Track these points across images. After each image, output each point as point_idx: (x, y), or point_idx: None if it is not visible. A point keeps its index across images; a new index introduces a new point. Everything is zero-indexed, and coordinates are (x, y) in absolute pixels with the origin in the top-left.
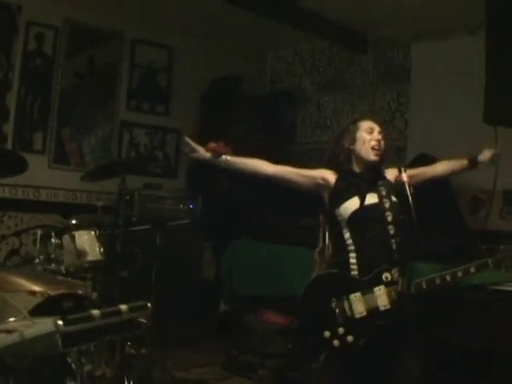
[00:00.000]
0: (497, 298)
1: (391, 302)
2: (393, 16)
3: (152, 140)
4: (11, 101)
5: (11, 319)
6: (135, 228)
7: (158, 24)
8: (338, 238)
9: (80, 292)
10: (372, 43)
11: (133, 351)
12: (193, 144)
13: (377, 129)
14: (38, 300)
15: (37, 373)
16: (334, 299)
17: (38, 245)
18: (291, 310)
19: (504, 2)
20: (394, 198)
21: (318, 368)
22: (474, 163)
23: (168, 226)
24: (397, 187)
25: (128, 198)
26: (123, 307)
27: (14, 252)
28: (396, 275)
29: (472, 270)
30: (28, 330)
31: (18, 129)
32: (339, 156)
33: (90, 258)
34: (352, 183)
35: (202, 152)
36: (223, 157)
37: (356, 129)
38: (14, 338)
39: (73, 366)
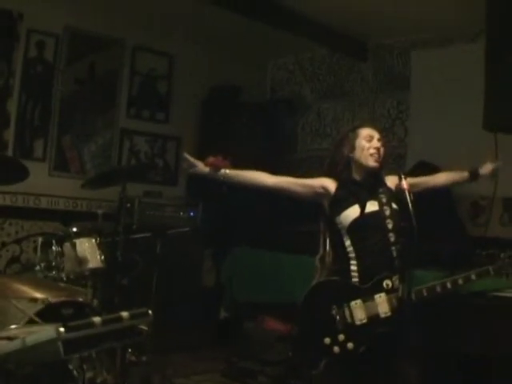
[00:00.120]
0: (497, 305)
1: (392, 309)
2: (393, 24)
3: (152, 148)
4: (12, 107)
5: (12, 326)
6: (135, 236)
7: (159, 31)
8: (338, 246)
9: (80, 299)
10: (372, 51)
11: (133, 358)
12: (191, 159)
13: (376, 136)
14: (38, 307)
15: (38, 379)
16: (334, 306)
17: (38, 252)
18: (291, 317)
19: (504, 10)
20: (394, 206)
21: (318, 375)
22: (474, 175)
23: (168, 233)
24: (397, 194)
25: (128, 205)
26: (124, 314)
27: (14, 259)
28: (397, 282)
29: (473, 277)
30: (29, 336)
31: (19, 136)
32: (339, 164)
33: (91, 265)
34: (352, 191)
35: (201, 167)
36: (222, 170)
37: (355, 136)
38: (15, 344)
39: (74, 372)
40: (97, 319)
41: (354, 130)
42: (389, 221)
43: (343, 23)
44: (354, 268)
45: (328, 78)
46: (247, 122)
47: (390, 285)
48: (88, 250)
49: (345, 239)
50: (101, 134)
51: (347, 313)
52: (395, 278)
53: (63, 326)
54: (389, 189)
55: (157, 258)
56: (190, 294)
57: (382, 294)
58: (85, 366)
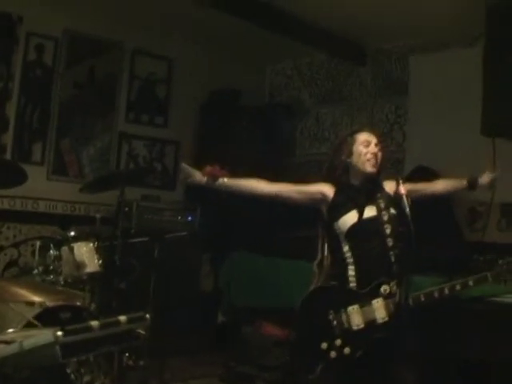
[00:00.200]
0: (495, 310)
1: (389, 314)
2: (391, 29)
3: (151, 152)
4: (11, 111)
5: (10, 330)
6: (133, 240)
7: (158, 35)
8: (336, 251)
9: (78, 303)
10: (370, 56)
11: (131, 363)
12: (190, 169)
13: (374, 141)
14: (36, 311)
15: (36, 383)
16: (331, 311)
17: (36, 256)
18: (289, 322)
19: (502, 14)
20: (392, 211)
21: (315, 380)
22: (473, 184)
23: (166, 237)
24: (395, 199)
25: (126, 209)
26: (122, 318)
27: (12, 263)
28: (394, 288)
29: (470, 283)
30: (27, 340)
31: (18, 139)
32: (337, 169)
33: (89, 269)
34: (350, 196)
35: (199, 177)
36: (220, 180)
37: (353, 141)
38: (13, 348)
39: (72, 376)
40: (94, 323)
41: (351, 134)
42: (387, 226)
43: (342, 28)
44: (351, 273)
45: (326, 82)
46: (246, 126)
47: (388, 290)
48: (86, 254)
49: (343, 244)
50: (99, 137)
51: (344, 318)
52: (393, 283)
53: (61, 330)
54: (387, 194)
55: (155, 263)
56: (187, 299)
57: (380, 300)
58: (82, 370)
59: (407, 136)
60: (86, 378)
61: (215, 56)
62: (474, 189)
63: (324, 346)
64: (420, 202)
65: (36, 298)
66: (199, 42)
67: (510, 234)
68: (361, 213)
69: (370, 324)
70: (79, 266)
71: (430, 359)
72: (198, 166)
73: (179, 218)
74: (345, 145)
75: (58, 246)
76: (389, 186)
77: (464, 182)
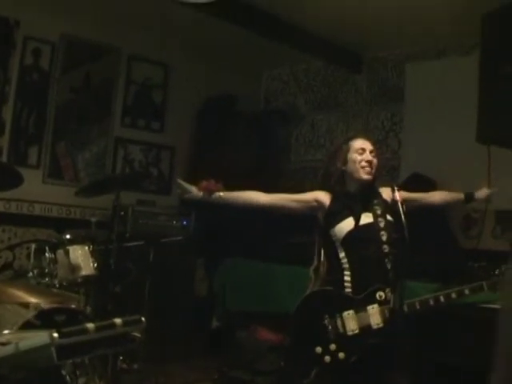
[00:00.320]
0: (490, 317)
1: (384, 320)
2: (387, 37)
3: (146, 156)
4: (7, 114)
5: (6, 331)
6: (129, 244)
7: (155, 41)
8: (332, 257)
9: (73, 306)
10: (366, 63)
11: (125, 366)
12: (186, 185)
13: (368, 148)
14: (31, 313)
15: None
16: (326, 316)
17: (31, 259)
18: (283, 328)
19: (498, 23)
20: (389, 217)
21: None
22: (470, 199)
23: (161, 242)
24: (392, 206)
25: (122, 213)
26: (117, 321)
27: (7, 266)
28: (390, 294)
29: (466, 291)
30: (23, 341)
31: (14, 143)
32: (333, 176)
33: (84, 272)
34: (346, 204)
35: (195, 192)
36: (216, 194)
37: (348, 149)
38: (8, 349)
39: (67, 378)
40: (90, 325)
41: (346, 142)
42: (383, 233)
43: (338, 35)
44: (347, 279)
45: (322, 89)
46: (242, 131)
47: (383, 296)
48: (81, 257)
49: (339, 251)
50: (95, 142)
51: (339, 323)
52: (388, 290)
53: (57, 332)
54: (384, 200)
55: (150, 267)
56: (182, 303)
57: (375, 306)
58: (78, 372)
59: (402, 143)
60: (81, 381)
61: (211, 62)
62: (471, 202)
63: (318, 350)
64: (415, 211)
65: (32, 300)
66: (196, 48)
67: (504, 242)
68: (357, 220)
69: (365, 330)
70: (74, 269)
71: (424, 366)
72: (195, 171)
73: (174, 222)
74: (340, 152)
75: (53, 249)
76: (385, 193)
77: (461, 196)
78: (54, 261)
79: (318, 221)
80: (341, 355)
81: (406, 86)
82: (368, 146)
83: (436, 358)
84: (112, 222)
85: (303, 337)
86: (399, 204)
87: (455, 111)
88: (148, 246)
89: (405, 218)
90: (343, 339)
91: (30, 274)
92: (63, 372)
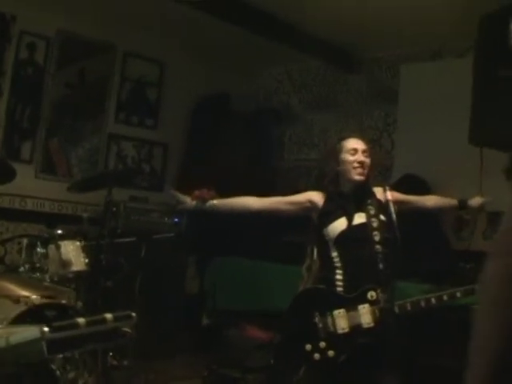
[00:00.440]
0: None
1: (375, 320)
2: (382, 38)
3: (139, 153)
4: (1, 108)
5: None
6: (120, 240)
7: (151, 39)
8: (325, 256)
9: (64, 301)
10: (361, 64)
11: (115, 362)
12: (179, 195)
13: (361, 148)
14: (21, 308)
15: (21, 379)
16: (317, 313)
17: (23, 254)
18: (273, 325)
19: (492, 26)
20: (382, 217)
21: (298, 381)
22: (463, 206)
23: (153, 238)
24: (385, 206)
25: (114, 209)
26: (108, 316)
27: None
28: (381, 294)
29: (458, 294)
30: (13, 336)
31: (7, 137)
32: (326, 176)
33: (75, 268)
34: (339, 204)
35: (189, 201)
36: (210, 202)
37: (340, 149)
38: None
39: (57, 372)
40: (81, 320)
41: (339, 142)
42: (376, 233)
43: (334, 36)
44: (339, 277)
45: (317, 89)
46: (235, 130)
47: (375, 296)
48: (72, 252)
49: (332, 250)
50: (88, 139)
51: (330, 321)
52: (380, 289)
53: (47, 326)
54: (377, 200)
55: (141, 262)
56: (172, 300)
57: (366, 305)
58: (68, 367)
59: (396, 144)
60: (71, 375)
61: (206, 60)
62: (464, 209)
63: (308, 347)
64: (408, 213)
65: (23, 293)
66: (191, 46)
67: None
68: (350, 220)
69: (355, 329)
70: (65, 264)
71: (415, 367)
72: (187, 168)
73: (166, 219)
74: (333, 153)
75: (44, 244)
76: (379, 193)
77: (455, 202)
78: (46, 256)
79: (311, 220)
80: (330, 353)
81: (400, 86)
82: (361, 145)
83: (427, 360)
84: (104, 217)
85: (294, 333)
86: (390, 204)
87: (449, 113)
88: (140, 243)
89: (396, 218)
90: (333, 337)
91: (22, 268)
92: (53, 366)
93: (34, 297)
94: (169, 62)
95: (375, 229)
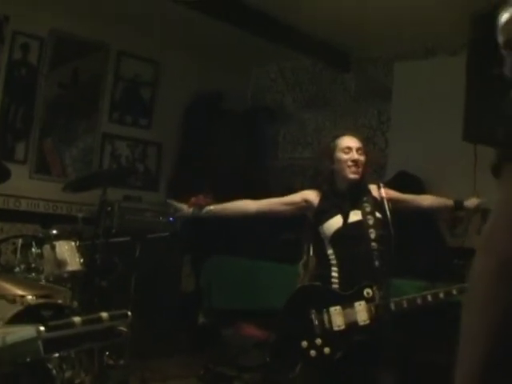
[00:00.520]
0: None
1: (371, 317)
2: (376, 36)
3: (133, 152)
4: None
5: None
6: (115, 239)
7: (144, 38)
8: (321, 253)
9: (60, 301)
10: (355, 62)
11: (111, 362)
12: (176, 204)
13: (355, 146)
14: (17, 308)
15: (17, 379)
16: (313, 310)
17: (18, 254)
18: (269, 324)
19: (485, 24)
20: (378, 215)
21: (294, 378)
22: (459, 206)
23: (148, 237)
24: (381, 203)
25: (108, 209)
26: (104, 315)
27: None
28: (377, 291)
29: (454, 291)
30: (10, 335)
31: (1, 138)
32: (321, 175)
33: (70, 267)
34: (335, 202)
35: (186, 209)
36: (206, 208)
37: (335, 147)
38: None
39: (53, 372)
40: (77, 319)
41: (333, 140)
42: (371, 230)
43: (327, 34)
44: (334, 274)
45: (310, 87)
46: (229, 129)
47: (371, 293)
48: (67, 252)
49: (327, 248)
50: (82, 138)
51: (326, 318)
52: (376, 287)
53: (43, 325)
54: (373, 198)
55: (136, 262)
56: (168, 300)
57: (362, 303)
58: (64, 366)
59: (389, 142)
60: (67, 374)
61: (200, 59)
62: (460, 210)
63: (304, 344)
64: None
65: (19, 292)
66: (185, 45)
67: None
68: (345, 217)
69: (351, 326)
70: (61, 264)
71: (411, 364)
72: (181, 168)
73: (161, 218)
74: (327, 151)
75: (39, 244)
76: (375, 190)
77: (450, 202)
78: (41, 256)
79: (307, 219)
80: (326, 350)
81: (394, 84)
82: (355, 143)
83: (424, 357)
84: (98, 217)
85: (290, 331)
86: (385, 201)
87: (442, 110)
88: (134, 242)
89: (391, 215)
90: (329, 334)
91: (17, 269)
92: (50, 366)
93: (30, 297)
94: (162, 62)
95: (371, 226)
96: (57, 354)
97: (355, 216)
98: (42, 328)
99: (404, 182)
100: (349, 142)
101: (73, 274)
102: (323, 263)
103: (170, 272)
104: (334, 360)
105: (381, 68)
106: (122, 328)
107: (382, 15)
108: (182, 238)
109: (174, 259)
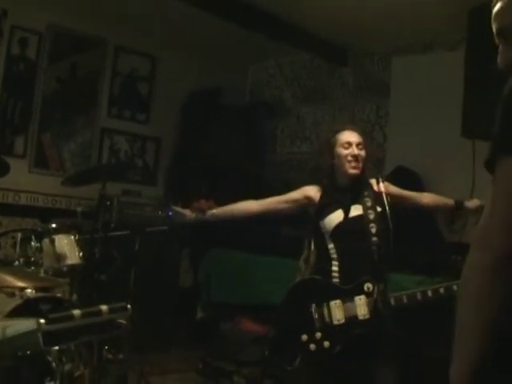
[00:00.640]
0: None
1: (370, 312)
2: (374, 30)
3: (132, 147)
4: None
5: None
6: (114, 233)
7: (142, 33)
8: (322, 248)
9: (59, 295)
10: (353, 57)
11: (110, 356)
12: (179, 210)
13: (355, 141)
14: (16, 302)
15: (17, 372)
16: (313, 304)
17: (17, 248)
18: (267, 319)
19: (483, 18)
20: (379, 209)
21: (293, 371)
22: (459, 207)
23: (147, 231)
24: (381, 197)
25: (107, 203)
26: (103, 308)
27: None
28: (377, 286)
29: (454, 287)
30: (9, 328)
31: (0, 132)
32: (322, 170)
33: (69, 261)
34: (336, 196)
35: (189, 214)
36: (209, 212)
37: (335, 142)
38: None
39: (53, 364)
40: (76, 312)
41: (334, 135)
42: (372, 225)
43: (325, 29)
44: (335, 269)
45: (308, 82)
46: (227, 124)
47: (371, 288)
48: (67, 246)
49: (328, 242)
50: (80, 133)
51: (326, 312)
52: (376, 281)
53: (43, 318)
54: (374, 192)
55: (135, 256)
56: (167, 294)
57: (362, 297)
58: (64, 359)
59: (388, 137)
60: (67, 367)
61: (198, 54)
62: (460, 210)
63: (304, 338)
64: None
65: (20, 284)
66: (182, 40)
67: None
68: (346, 212)
69: (351, 320)
70: (60, 257)
71: (411, 358)
72: (179, 163)
73: (159, 213)
74: (327, 146)
75: (39, 238)
76: (374, 185)
77: (451, 202)
78: (40, 250)
79: (308, 214)
80: (326, 344)
81: (392, 79)
82: (355, 138)
83: (425, 352)
84: (97, 211)
85: (290, 323)
86: (384, 196)
87: (441, 105)
88: (133, 236)
89: (389, 209)
90: (329, 328)
91: (16, 262)
92: (49, 358)
93: (29, 290)
94: (160, 57)
95: (372, 221)
96: (56, 347)
97: (356, 210)
98: (42, 321)
99: (402, 176)
100: (349, 136)
101: (72, 267)
102: (324, 257)
103: (168, 266)
104: (334, 354)
105: (379, 62)
106: (121, 321)
107: (380, 10)
108: (181, 232)
109: (173, 253)
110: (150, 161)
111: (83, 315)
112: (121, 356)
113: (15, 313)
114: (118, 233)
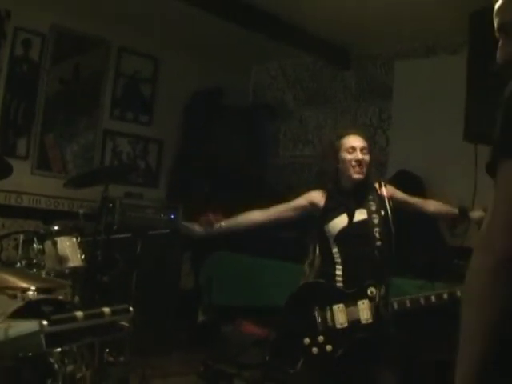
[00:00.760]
0: None
1: (373, 316)
2: (377, 34)
3: (134, 149)
4: None
5: None
6: (116, 236)
7: (145, 34)
8: (326, 252)
9: (61, 297)
10: (355, 60)
11: (111, 359)
12: (189, 225)
13: (359, 146)
14: (18, 304)
15: (18, 373)
16: (317, 307)
17: (19, 250)
18: (269, 322)
19: (485, 22)
20: (383, 213)
21: (295, 375)
22: (463, 216)
23: (148, 234)
24: (385, 201)
25: (110, 205)
26: (106, 310)
27: None
28: (380, 290)
29: (458, 293)
30: (12, 329)
31: (2, 134)
32: (327, 174)
33: (71, 263)
34: (340, 201)
35: (198, 228)
36: (217, 225)
37: (339, 147)
38: None
39: (55, 366)
40: (79, 314)
41: (338, 139)
42: (377, 229)
43: (328, 32)
44: (338, 273)
45: (311, 85)
46: (229, 126)
47: (374, 292)
48: (69, 248)
49: (332, 246)
50: (83, 135)
51: (329, 315)
52: (379, 285)
53: (46, 319)
54: (379, 196)
55: (137, 258)
56: (168, 296)
57: (366, 301)
58: (66, 360)
59: (390, 140)
60: (69, 369)
61: (201, 56)
62: (464, 219)
63: (307, 341)
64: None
65: (22, 285)
66: (185, 42)
67: None
68: (351, 216)
69: (354, 324)
70: (62, 260)
71: (413, 362)
72: (182, 165)
73: (161, 215)
74: (332, 150)
75: (41, 240)
76: (379, 189)
77: (455, 211)
78: (42, 252)
79: (313, 218)
80: (328, 347)
81: (394, 83)
82: (359, 143)
83: (428, 356)
84: (100, 213)
85: (293, 326)
86: (386, 200)
87: (443, 109)
88: (135, 239)
89: (392, 213)
90: (331, 332)
91: (18, 264)
92: (51, 360)
93: (31, 292)
94: (163, 58)
95: (376, 225)
96: (59, 349)
97: (361, 215)
98: (44, 322)
99: (404, 180)
100: (353, 141)
101: (74, 270)
102: (328, 261)
103: (170, 269)
104: (336, 357)
105: (381, 66)
106: (123, 323)
107: (383, 13)
108: (183, 235)
109: (174, 256)
110: (153, 163)
111: (86, 317)
112: (122, 358)
113: (17, 314)
114: (121, 235)
